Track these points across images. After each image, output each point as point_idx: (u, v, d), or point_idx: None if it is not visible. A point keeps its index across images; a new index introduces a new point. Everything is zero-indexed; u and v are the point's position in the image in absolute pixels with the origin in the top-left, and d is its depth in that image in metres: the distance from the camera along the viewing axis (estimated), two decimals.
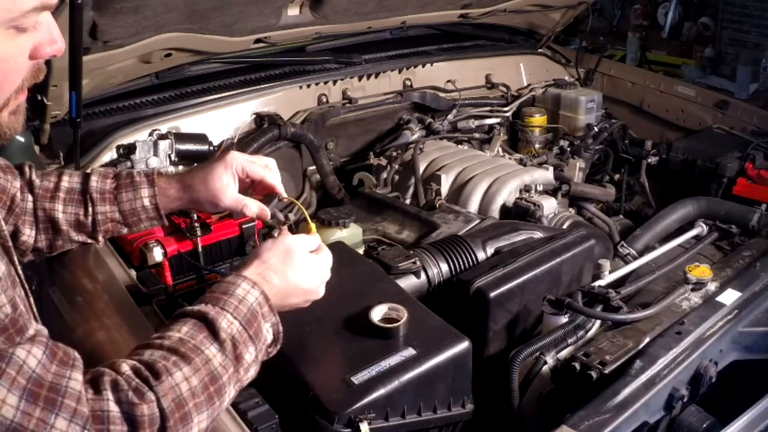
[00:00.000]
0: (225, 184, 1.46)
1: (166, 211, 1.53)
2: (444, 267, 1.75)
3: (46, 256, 1.58)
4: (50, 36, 1.00)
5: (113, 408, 0.92)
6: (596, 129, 2.85)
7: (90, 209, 1.49)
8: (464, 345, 1.35)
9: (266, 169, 1.50)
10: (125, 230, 1.54)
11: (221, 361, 1.05)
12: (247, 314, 1.11)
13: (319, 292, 1.29)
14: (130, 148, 2.10)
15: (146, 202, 1.49)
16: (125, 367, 0.97)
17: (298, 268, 1.24)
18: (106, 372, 0.96)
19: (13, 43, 0.95)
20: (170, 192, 1.51)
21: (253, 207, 1.48)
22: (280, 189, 1.51)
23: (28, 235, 1.46)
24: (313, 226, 1.39)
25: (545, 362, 1.50)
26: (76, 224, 1.49)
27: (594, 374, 1.42)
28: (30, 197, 1.46)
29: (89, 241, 1.53)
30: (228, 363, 1.05)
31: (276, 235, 1.98)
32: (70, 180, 1.50)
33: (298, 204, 1.50)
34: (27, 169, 1.49)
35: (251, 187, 1.54)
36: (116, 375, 0.96)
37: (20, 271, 1.11)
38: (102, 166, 2.10)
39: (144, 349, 1.03)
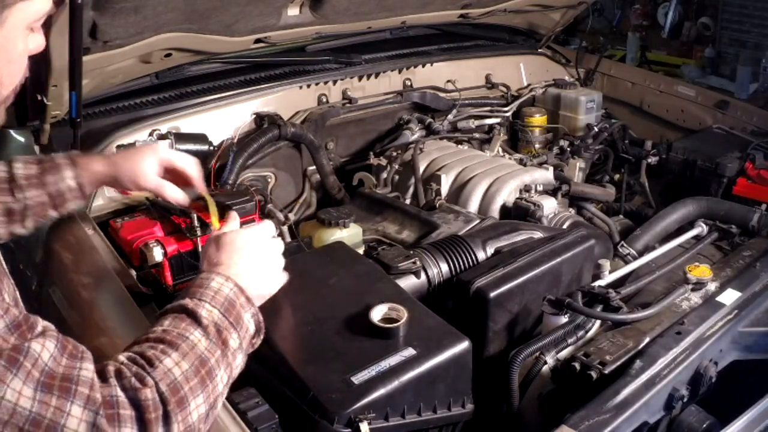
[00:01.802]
0: (148, 166, 1.59)
1: (92, 187, 1.61)
2: (444, 267, 1.75)
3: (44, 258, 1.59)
4: (41, 36, 1.13)
5: (120, 393, 0.95)
6: (596, 129, 2.85)
7: (19, 195, 1.52)
8: (464, 345, 1.35)
9: (188, 163, 1.65)
10: (53, 213, 1.58)
11: (206, 345, 1.07)
12: (224, 303, 1.14)
13: (280, 277, 1.33)
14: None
15: (70, 182, 1.56)
16: (122, 357, 1.02)
17: (253, 259, 1.28)
18: (110, 363, 1.00)
19: (26, 43, 1.07)
20: (94, 167, 1.59)
21: (170, 190, 1.62)
22: (200, 182, 1.66)
23: None
24: (215, 219, 1.51)
25: (545, 362, 1.50)
26: (7, 213, 1.52)
27: (594, 374, 1.42)
28: None
29: (17, 231, 1.55)
30: (214, 347, 1.08)
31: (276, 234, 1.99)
32: None
33: (209, 199, 1.59)
34: None
35: (169, 178, 1.65)
36: (118, 364, 1.00)
37: (4, 265, 1.12)
38: None
39: (132, 345, 1.07)
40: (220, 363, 1.08)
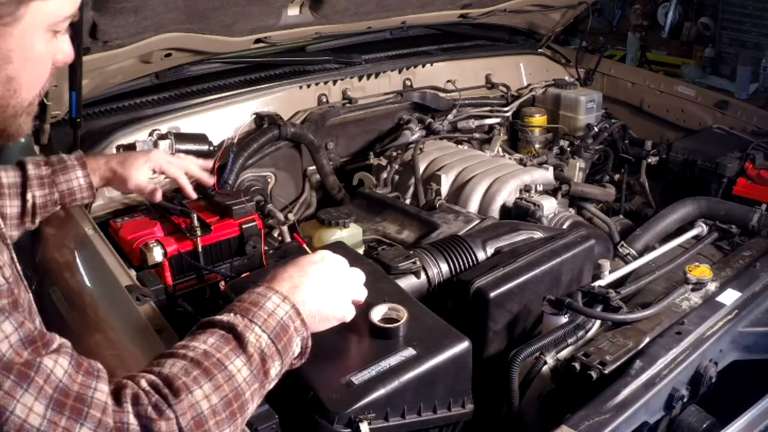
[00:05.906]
0: (137, 171, 1.74)
1: (100, 185, 1.74)
2: (444, 267, 1.75)
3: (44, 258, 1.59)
4: (67, 45, 1.11)
5: (133, 421, 0.91)
6: (596, 129, 2.86)
7: (30, 196, 1.58)
8: (464, 345, 1.35)
9: (181, 170, 1.84)
10: (59, 208, 1.67)
11: (246, 376, 1.02)
12: (276, 328, 1.08)
13: (350, 314, 1.27)
14: (130, 148, 2.10)
15: (82, 181, 1.68)
16: (144, 382, 0.96)
17: (330, 290, 1.22)
18: (128, 384, 0.95)
19: (49, 45, 1.06)
20: (100, 168, 1.72)
21: (158, 196, 1.80)
22: (189, 191, 1.86)
23: None
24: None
25: (545, 362, 1.50)
26: (20, 215, 1.57)
27: (594, 374, 1.42)
28: None
29: (28, 228, 1.61)
30: (253, 379, 1.02)
31: (276, 235, 2.00)
32: (7, 175, 1.59)
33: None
34: None
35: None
36: (137, 388, 0.95)
37: (20, 270, 1.11)
38: None
39: (167, 359, 1.01)
40: (254, 395, 1.03)
